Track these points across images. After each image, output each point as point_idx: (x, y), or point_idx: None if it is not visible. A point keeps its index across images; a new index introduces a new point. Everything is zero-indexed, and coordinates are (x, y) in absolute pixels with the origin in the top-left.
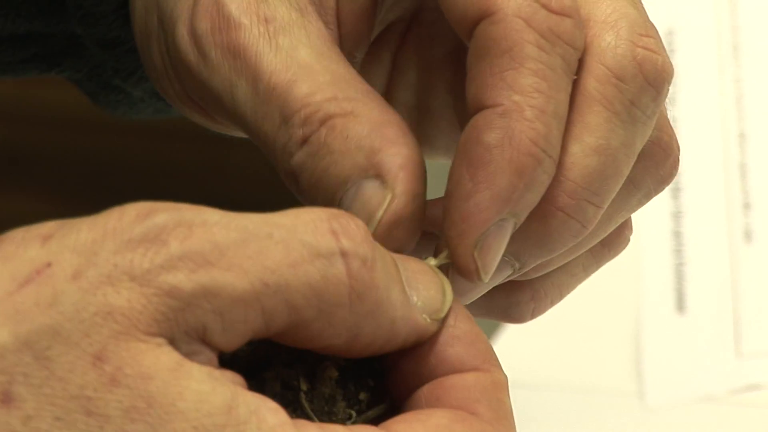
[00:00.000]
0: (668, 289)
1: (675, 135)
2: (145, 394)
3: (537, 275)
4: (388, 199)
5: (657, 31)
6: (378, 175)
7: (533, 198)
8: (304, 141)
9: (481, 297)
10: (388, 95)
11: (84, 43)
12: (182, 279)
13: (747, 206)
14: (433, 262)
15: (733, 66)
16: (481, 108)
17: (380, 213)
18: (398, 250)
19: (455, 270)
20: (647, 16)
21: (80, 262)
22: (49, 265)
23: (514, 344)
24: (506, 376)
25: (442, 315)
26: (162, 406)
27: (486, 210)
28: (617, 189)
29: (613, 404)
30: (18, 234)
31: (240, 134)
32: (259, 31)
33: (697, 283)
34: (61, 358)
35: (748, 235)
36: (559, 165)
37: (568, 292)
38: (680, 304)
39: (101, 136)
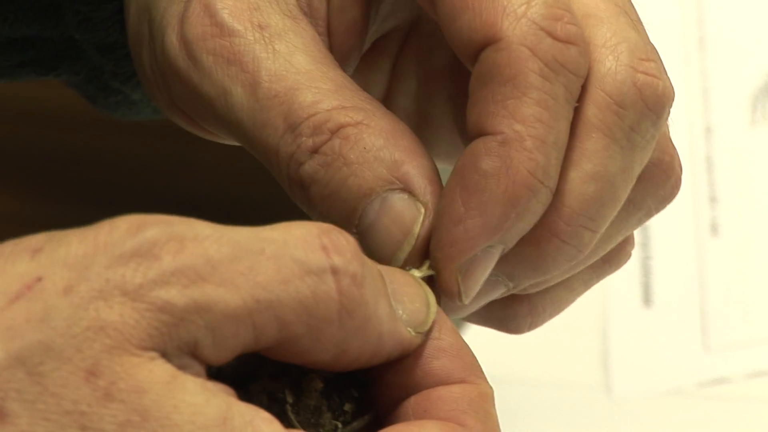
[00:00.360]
0: (635, 283)
1: (677, 155)
2: (140, 407)
3: (535, 290)
4: (423, 213)
5: (658, 54)
6: (405, 187)
7: (525, 227)
8: (315, 150)
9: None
10: (388, 101)
11: (82, 47)
12: (175, 294)
13: (713, 199)
14: (417, 273)
15: (698, 58)
16: (481, 134)
17: (417, 228)
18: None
19: (438, 286)
20: (648, 39)
21: (71, 277)
22: (39, 279)
23: (481, 338)
24: (492, 388)
25: (427, 328)
26: (157, 419)
27: (474, 238)
28: (614, 213)
29: (580, 398)
30: (6, 247)
31: (229, 141)
32: (255, 37)
33: (664, 277)
34: (54, 374)
35: (714, 229)
36: (557, 191)
37: (568, 306)
38: (647, 298)
39: (69, 132)
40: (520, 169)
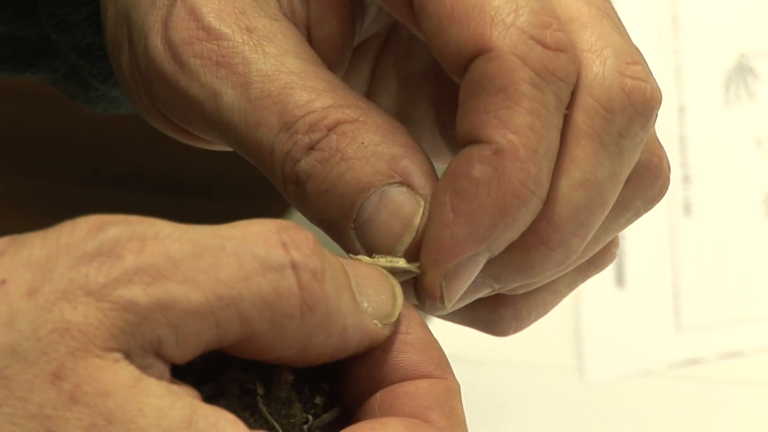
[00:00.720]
0: None
1: (665, 155)
2: (105, 411)
3: (521, 291)
4: (423, 206)
5: (643, 56)
6: (405, 181)
7: (513, 236)
8: (311, 147)
9: (463, 308)
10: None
11: (59, 46)
12: (138, 293)
13: (686, 179)
14: (410, 266)
15: (672, 38)
16: (474, 142)
17: (417, 220)
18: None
19: (422, 289)
20: (632, 42)
21: (35, 279)
22: (3, 282)
23: None
24: (458, 383)
25: (393, 319)
26: (122, 422)
27: (461, 245)
28: (603, 218)
29: (552, 379)
30: None
31: (213, 146)
32: (243, 39)
33: (637, 257)
34: (20, 377)
35: (687, 209)
36: (546, 198)
37: (553, 308)
38: (619, 279)
39: (45, 109)
40: (512, 179)
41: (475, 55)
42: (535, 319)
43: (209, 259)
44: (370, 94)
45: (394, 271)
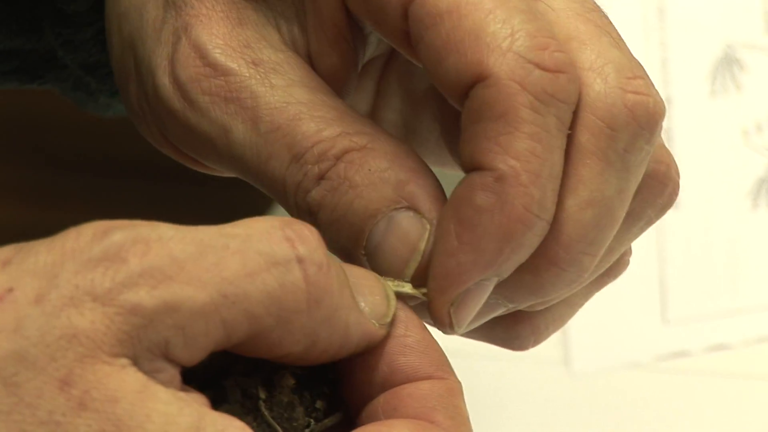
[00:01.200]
0: None
1: (673, 161)
2: (113, 417)
3: (537, 309)
4: (428, 229)
5: (644, 70)
6: (411, 206)
7: (520, 259)
8: (321, 177)
9: (481, 326)
10: (374, 117)
11: (65, 61)
12: (144, 296)
13: None
14: (408, 288)
15: (658, 29)
16: (476, 169)
17: (423, 244)
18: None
19: (430, 316)
20: (632, 55)
21: (42, 285)
22: (10, 290)
23: None
24: (460, 382)
25: (388, 320)
26: (130, 428)
27: (468, 272)
28: (613, 234)
29: (539, 371)
30: None
31: (226, 174)
32: (250, 73)
33: None
34: (29, 384)
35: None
36: (554, 219)
37: (570, 319)
38: None
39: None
40: (515, 204)
41: (474, 82)
42: (553, 332)
43: (213, 258)
44: (375, 109)
45: (402, 296)
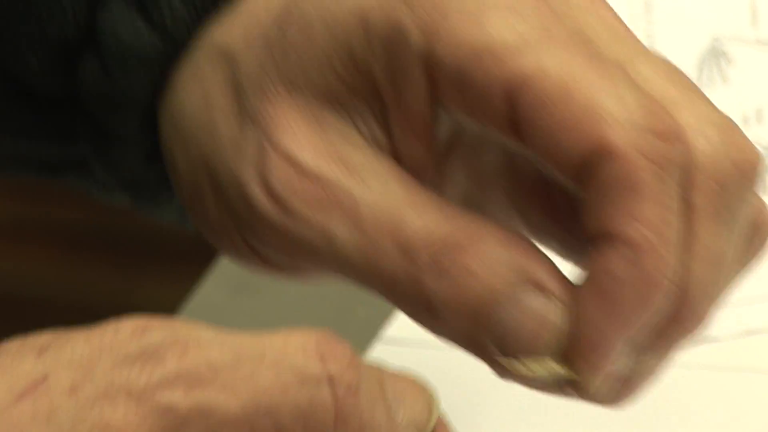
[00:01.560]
0: None
1: (764, 204)
2: None
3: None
4: (560, 308)
5: (733, 121)
6: (536, 286)
7: (653, 324)
8: (437, 270)
9: None
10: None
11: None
12: (179, 397)
13: None
14: (557, 367)
15: (644, 21)
16: (605, 236)
17: (559, 320)
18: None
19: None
20: (719, 109)
21: (77, 377)
22: (45, 378)
23: None
24: None
25: (429, 427)
26: None
27: (614, 344)
28: (728, 285)
29: None
30: (13, 346)
31: (323, 280)
32: (344, 175)
33: None
34: None
35: None
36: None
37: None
38: None
39: None
40: (653, 273)
41: (592, 155)
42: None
43: (249, 368)
44: (438, 187)
45: (547, 378)
